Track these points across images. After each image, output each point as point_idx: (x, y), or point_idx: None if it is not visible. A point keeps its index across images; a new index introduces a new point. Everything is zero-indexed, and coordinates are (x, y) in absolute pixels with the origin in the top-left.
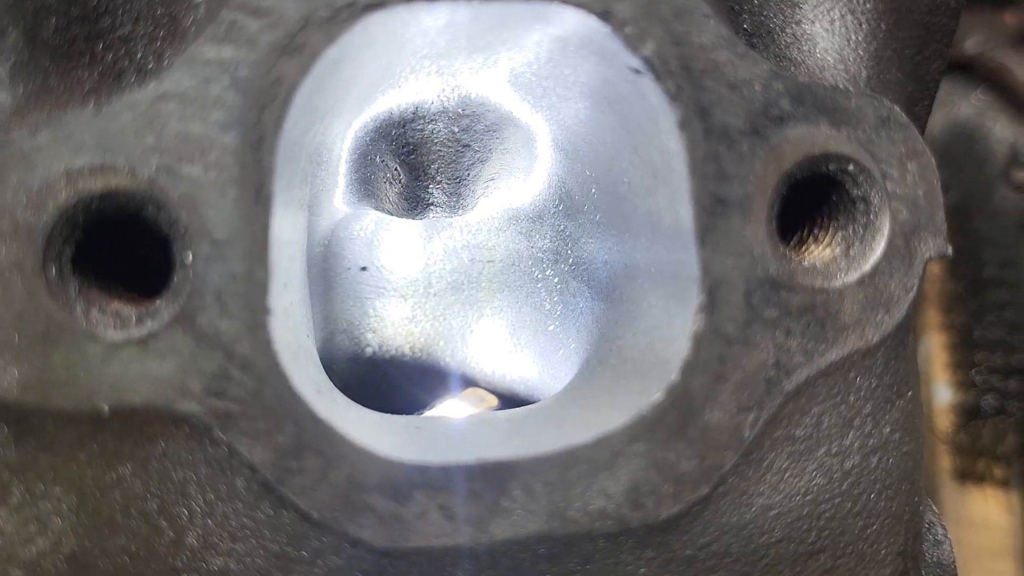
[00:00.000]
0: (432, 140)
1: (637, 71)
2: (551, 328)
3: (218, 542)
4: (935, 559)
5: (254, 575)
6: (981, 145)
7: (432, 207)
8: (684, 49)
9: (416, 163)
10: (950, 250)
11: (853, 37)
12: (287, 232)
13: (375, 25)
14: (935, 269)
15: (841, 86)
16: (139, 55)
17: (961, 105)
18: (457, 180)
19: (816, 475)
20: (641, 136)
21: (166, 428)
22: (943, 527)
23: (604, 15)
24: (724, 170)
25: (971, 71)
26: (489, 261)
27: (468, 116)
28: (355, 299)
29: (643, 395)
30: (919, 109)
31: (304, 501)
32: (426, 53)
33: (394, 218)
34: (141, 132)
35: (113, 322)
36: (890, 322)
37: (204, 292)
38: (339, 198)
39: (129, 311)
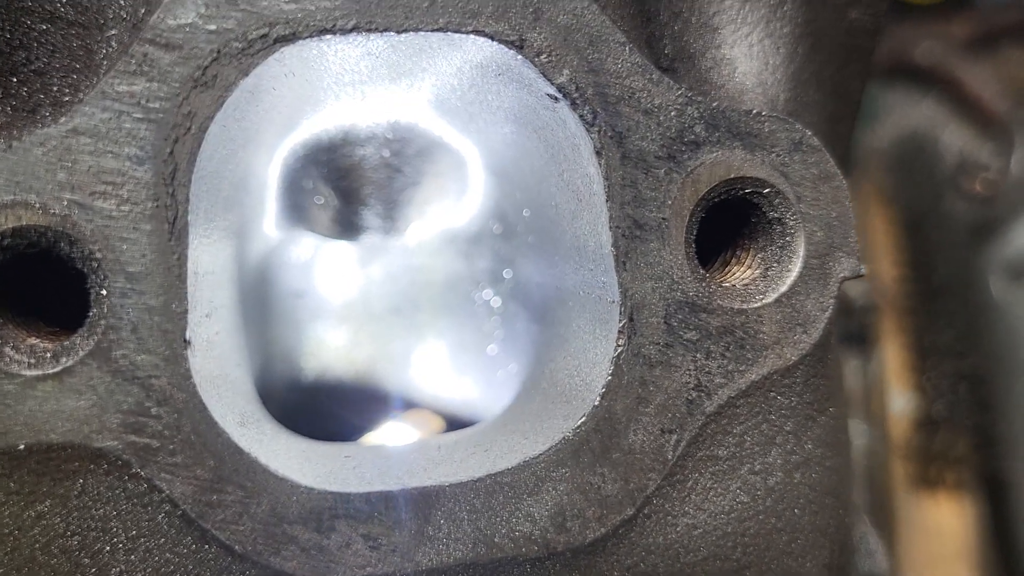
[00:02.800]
0: (363, 165)
1: (555, 98)
2: (491, 350)
3: None
4: (867, 569)
5: None
6: (931, 153)
7: (366, 230)
8: (599, 76)
9: (348, 188)
10: (863, 269)
11: (771, 60)
12: (208, 262)
13: (289, 56)
14: (890, 277)
15: (759, 109)
16: (55, 88)
17: (912, 114)
18: (391, 203)
19: (740, 493)
20: (564, 161)
21: (84, 465)
22: (876, 538)
23: (519, 44)
24: (641, 195)
25: (922, 79)
26: (429, 283)
27: (398, 141)
28: (292, 325)
29: (568, 419)
30: (842, 127)
31: (226, 535)
32: (349, 80)
33: (331, 243)
34: (53, 167)
35: (28, 360)
36: (808, 341)
37: (120, 327)
38: (270, 224)
39: (45, 347)
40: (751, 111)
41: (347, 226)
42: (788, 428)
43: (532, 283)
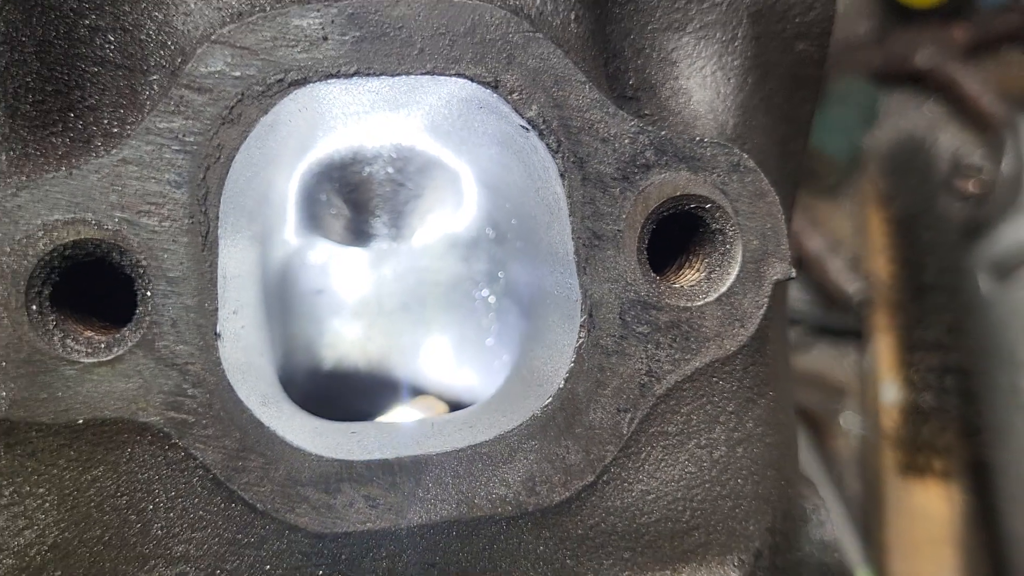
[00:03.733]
0: (371, 180)
1: (526, 129)
2: (489, 342)
3: (179, 531)
4: (818, 537)
5: (210, 558)
6: (927, 155)
7: (375, 237)
8: (563, 111)
9: (358, 200)
10: (794, 273)
11: (722, 90)
12: (235, 267)
13: (302, 95)
14: (883, 275)
15: (708, 135)
16: (105, 121)
17: (911, 117)
18: (396, 213)
19: (688, 464)
20: (539, 180)
21: (132, 436)
22: (827, 510)
23: (494, 84)
24: (599, 210)
25: (922, 84)
26: (434, 283)
27: (400, 159)
28: (313, 320)
29: (539, 400)
30: (794, 145)
31: (249, 495)
32: (353, 111)
33: (345, 248)
34: (106, 191)
35: (86, 349)
36: (744, 334)
37: (162, 322)
38: (290, 232)
39: (99, 339)
40: (695, 138)
41: (358, 234)
42: (730, 409)
43: (520, 283)
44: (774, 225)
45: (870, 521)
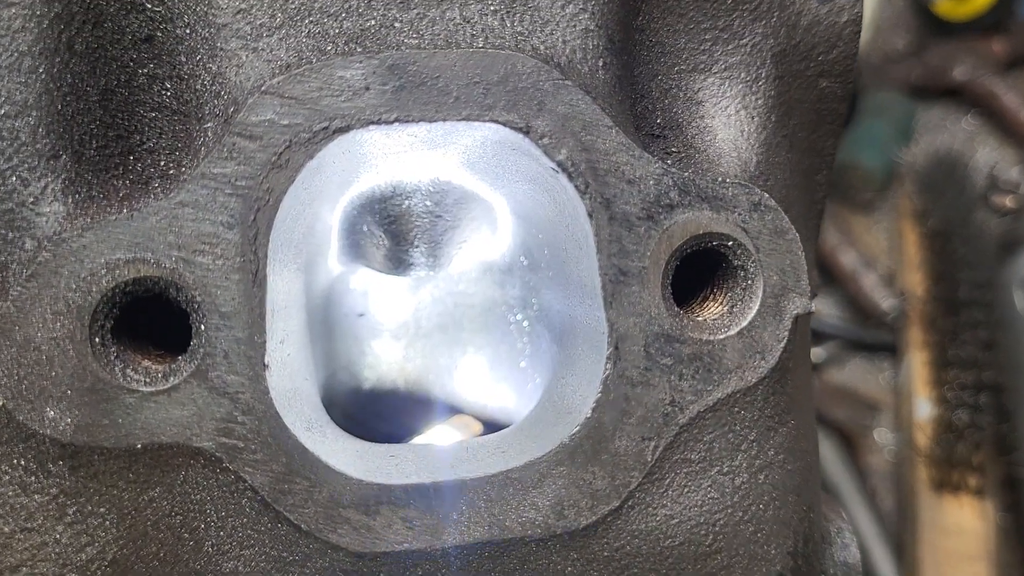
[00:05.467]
0: (410, 212)
1: (556, 170)
2: (522, 364)
3: (229, 549)
4: (842, 559)
5: (258, 574)
6: (963, 170)
7: (413, 267)
8: (591, 154)
9: (397, 231)
10: (813, 307)
11: (745, 128)
12: (283, 298)
13: (345, 141)
14: (918, 290)
15: (729, 172)
16: (163, 163)
17: (948, 131)
18: (433, 244)
19: (710, 490)
20: (568, 217)
21: (186, 460)
22: (852, 533)
23: (526, 130)
24: (625, 248)
25: (960, 97)
26: (470, 306)
27: (438, 193)
28: (354, 341)
29: (567, 428)
30: (819, 177)
31: (295, 516)
32: (393, 151)
33: (385, 275)
34: (164, 232)
35: (144, 378)
36: (765, 366)
37: (215, 354)
38: (333, 259)
39: (157, 369)
40: (718, 179)
41: (397, 262)
42: (752, 437)
43: (553, 310)
44: (794, 261)
45: (904, 537)
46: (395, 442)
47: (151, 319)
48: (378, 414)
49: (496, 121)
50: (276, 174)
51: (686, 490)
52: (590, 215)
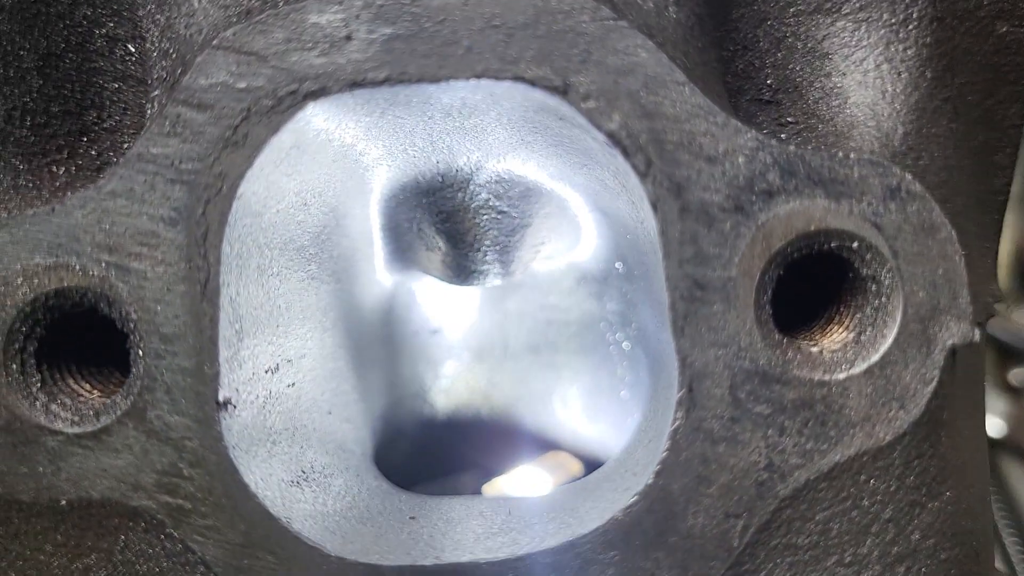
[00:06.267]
0: (465, 208)
1: (609, 145)
2: (623, 395)
3: None
4: None
5: None
6: None
7: (480, 275)
8: (655, 122)
9: (453, 231)
10: (977, 335)
11: (889, 89)
12: (267, 314)
13: (325, 109)
14: None
15: (864, 148)
16: (126, 145)
17: None
18: (502, 246)
19: None
20: (639, 209)
21: (124, 522)
22: None
23: (563, 89)
24: (703, 251)
25: None
26: (565, 323)
27: (498, 183)
28: (426, 362)
29: (624, 496)
30: (1000, 157)
31: None
32: (404, 126)
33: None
34: (92, 229)
35: (72, 417)
36: (906, 418)
37: (155, 387)
38: (380, 267)
39: (91, 404)
40: (838, 155)
41: (459, 270)
42: (887, 516)
43: (649, 329)
44: (949, 271)
45: None
46: (475, 483)
47: (95, 340)
48: (454, 449)
49: (522, 79)
50: (230, 154)
51: None
52: (654, 205)
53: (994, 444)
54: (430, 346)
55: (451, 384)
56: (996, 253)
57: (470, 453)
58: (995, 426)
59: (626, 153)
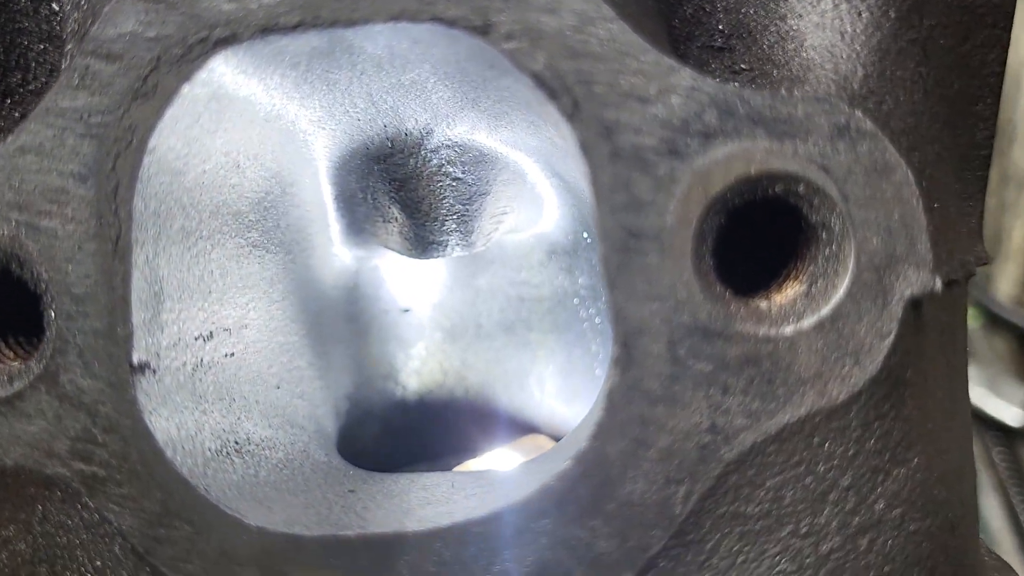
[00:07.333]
0: (419, 174)
1: (535, 88)
2: (597, 372)
3: None
4: None
5: None
6: None
7: (436, 245)
8: (582, 62)
9: (408, 199)
10: (939, 284)
11: (849, 29)
12: (201, 281)
13: (238, 57)
14: None
15: (819, 91)
16: None
17: None
18: (457, 215)
19: (781, 560)
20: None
21: (40, 491)
22: None
23: (484, 29)
24: (637, 198)
25: None
26: (538, 300)
27: (450, 148)
28: (396, 342)
29: (557, 462)
30: (980, 108)
31: (174, 573)
32: (335, 79)
33: (410, 258)
34: (2, 187)
35: None
36: (861, 375)
37: (67, 350)
38: (337, 240)
39: (6, 370)
40: (779, 91)
41: (419, 241)
42: (845, 483)
43: None
44: (905, 215)
45: None
46: (448, 465)
47: (12, 303)
48: (426, 432)
49: (440, 19)
50: (140, 106)
51: (741, 559)
52: (583, 149)
53: (1013, 433)
54: (400, 325)
55: (423, 365)
56: (982, 213)
57: (445, 436)
58: (1014, 415)
59: (553, 96)
